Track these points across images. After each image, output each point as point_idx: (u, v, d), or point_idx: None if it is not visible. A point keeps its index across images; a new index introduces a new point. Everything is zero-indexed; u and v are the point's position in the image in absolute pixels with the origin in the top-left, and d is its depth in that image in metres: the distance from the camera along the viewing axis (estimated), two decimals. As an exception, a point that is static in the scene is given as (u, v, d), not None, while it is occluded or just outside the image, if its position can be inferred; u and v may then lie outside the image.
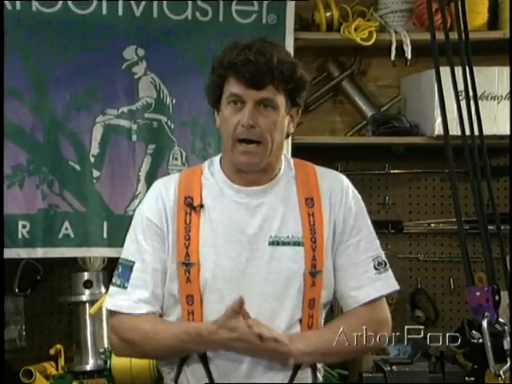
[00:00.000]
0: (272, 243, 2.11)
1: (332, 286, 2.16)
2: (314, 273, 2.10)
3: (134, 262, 2.13)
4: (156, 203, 2.15)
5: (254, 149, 2.08)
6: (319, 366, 2.19)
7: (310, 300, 2.11)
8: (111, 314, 2.18)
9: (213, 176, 2.17)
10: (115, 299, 2.14)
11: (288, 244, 2.11)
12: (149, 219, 2.15)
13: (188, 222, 2.12)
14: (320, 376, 2.19)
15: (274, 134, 2.08)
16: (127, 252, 2.16)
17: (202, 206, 2.12)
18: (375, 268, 2.15)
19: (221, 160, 2.19)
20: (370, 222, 2.21)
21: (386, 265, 2.17)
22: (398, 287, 2.19)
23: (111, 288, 2.17)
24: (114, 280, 2.16)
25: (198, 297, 2.09)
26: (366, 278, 2.15)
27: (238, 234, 2.11)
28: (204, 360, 2.10)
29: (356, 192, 2.21)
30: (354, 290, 2.15)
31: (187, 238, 2.10)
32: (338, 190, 2.17)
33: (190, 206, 2.12)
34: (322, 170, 2.22)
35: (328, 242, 2.13)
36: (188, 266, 2.08)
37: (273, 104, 2.06)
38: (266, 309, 2.09)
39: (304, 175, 2.18)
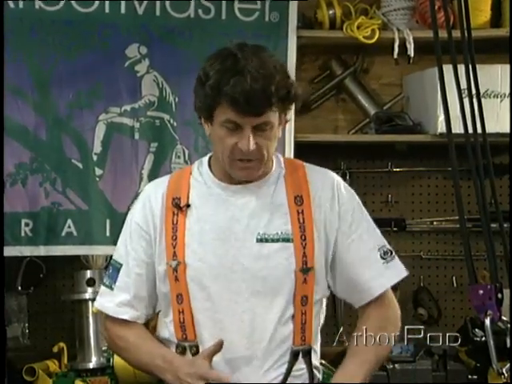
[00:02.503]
0: (260, 240, 2.10)
1: (325, 282, 2.16)
2: (305, 270, 2.10)
3: (121, 265, 2.18)
4: (143, 207, 2.17)
5: (252, 164, 2.07)
6: (317, 364, 2.18)
7: (302, 297, 2.10)
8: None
9: (201, 176, 2.17)
10: (103, 299, 2.21)
11: (277, 241, 2.10)
12: (136, 223, 2.17)
13: (175, 222, 2.13)
14: (319, 375, 2.18)
15: (270, 148, 2.08)
16: (117, 254, 2.21)
17: (188, 205, 2.13)
18: (382, 258, 2.16)
19: (209, 160, 2.19)
20: (368, 215, 2.20)
21: (391, 253, 2.17)
22: (406, 273, 2.19)
23: (101, 287, 2.23)
24: (104, 280, 2.23)
25: (186, 295, 2.10)
26: (375, 270, 2.15)
27: (226, 232, 2.11)
28: None
29: (348, 187, 2.21)
30: (365, 283, 2.14)
31: (174, 238, 2.12)
32: (329, 188, 2.16)
33: (177, 206, 2.14)
34: (312, 168, 2.21)
35: (321, 239, 2.13)
36: (175, 265, 2.10)
37: (270, 125, 2.05)
38: (256, 306, 2.09)
39: (294, 174, 2.17)
